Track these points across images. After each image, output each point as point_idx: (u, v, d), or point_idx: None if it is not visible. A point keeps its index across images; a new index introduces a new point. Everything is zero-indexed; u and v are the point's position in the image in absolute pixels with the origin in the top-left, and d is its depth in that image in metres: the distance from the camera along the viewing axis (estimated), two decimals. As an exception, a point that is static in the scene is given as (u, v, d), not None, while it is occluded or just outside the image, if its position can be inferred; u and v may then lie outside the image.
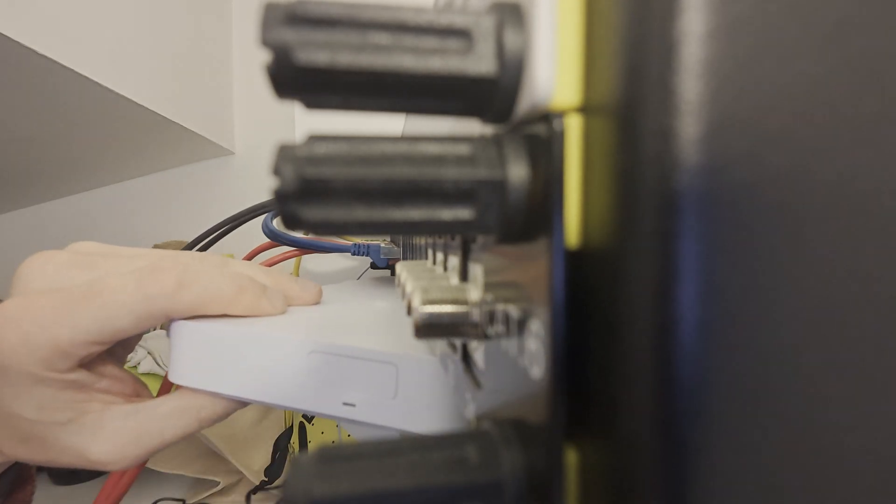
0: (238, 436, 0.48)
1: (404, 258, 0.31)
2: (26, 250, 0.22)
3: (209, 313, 0.21)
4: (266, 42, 0.08)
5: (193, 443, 0.47)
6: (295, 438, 0.51)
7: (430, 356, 0.19)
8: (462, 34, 0.08)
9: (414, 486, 0.08)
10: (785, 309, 0.06)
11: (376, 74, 0.08)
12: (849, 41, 0.07)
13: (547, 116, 0.08)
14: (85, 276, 0.21)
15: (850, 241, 0.07)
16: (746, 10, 0.06)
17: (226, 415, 0.22)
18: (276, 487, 0.47)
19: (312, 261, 0.64)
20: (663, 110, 0.06)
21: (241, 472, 0.46)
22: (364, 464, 0.09)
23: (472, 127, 0.12)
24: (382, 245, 0.45)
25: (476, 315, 0.11)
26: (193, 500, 0.45)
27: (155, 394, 0.25)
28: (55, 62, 0.36)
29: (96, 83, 0.40)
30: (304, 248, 0.45)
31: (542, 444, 0.08)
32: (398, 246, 0.39)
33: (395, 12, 0.08)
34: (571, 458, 0.08)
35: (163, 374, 0.46)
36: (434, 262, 0.18)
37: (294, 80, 0.08)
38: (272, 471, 0.47)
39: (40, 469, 0.52)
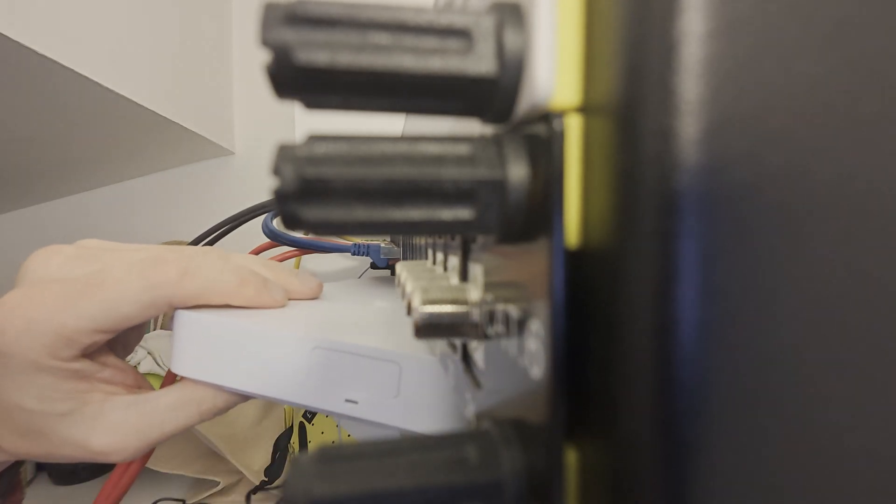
0: (238, 436, 0.48)
1: (404, 258, 0.31)
2: (26, 250, 0.22)
3: (211, 303, 0.22)
4: (266, 42, 0.08)
5: (193, 443, 0.47)
6: (295, 438, 0.51)
7: (431, 356, 0.19)
8: (462, 34, 0.08)
9: (414, 486, 0.08)
10: (785, 309, 0.06)
11: (376, 74, 0.08)
12: (849, 41, 0.07)
13: (547, 116, 0.08)
14: (90, 268, 0.21)
15: (850, 241, 0.07)
16: (746, 10, 0.06)
17: (226, 408, 0.22)
18: (276, 487, 0.47)
19: (312, 261, 0.64)
20: (663, 110, 0.06)
21: (241, 472, 0.46)
22: (364, 464, 0.09)
23: (472, 127, 0.12)
24: (382, 245, 0.45)
25: (476, 315, 0.11)
26: (193, 500, 0.45)
27: None
28: (55, 62, 0.36)
29: (96, 83, 0.40)
30: (304, 248, 0.45)
31: (542, 444, 0.08)
32: (398, 246, 0.39)
33: (395, 12, 0.08)
34: (571, 458, 0.08)
35: (163, 374, 0.46)
36: (434, 262, 0.18)
37: (294, 80, 0.08)
38: (272, 471, 0.47)
39: (41, 468, 0.52)
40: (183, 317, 0.21)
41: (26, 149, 0.51)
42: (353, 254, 0.44)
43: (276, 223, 0.42)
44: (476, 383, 0.12)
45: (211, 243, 0.46)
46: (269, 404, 0.53)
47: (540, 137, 0.08)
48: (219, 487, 0.45)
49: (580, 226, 0.08)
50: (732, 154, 0.06)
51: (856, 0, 0.07)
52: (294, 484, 0.08)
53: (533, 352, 0.08)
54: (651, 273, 0.06)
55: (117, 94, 0.43)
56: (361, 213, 0.08)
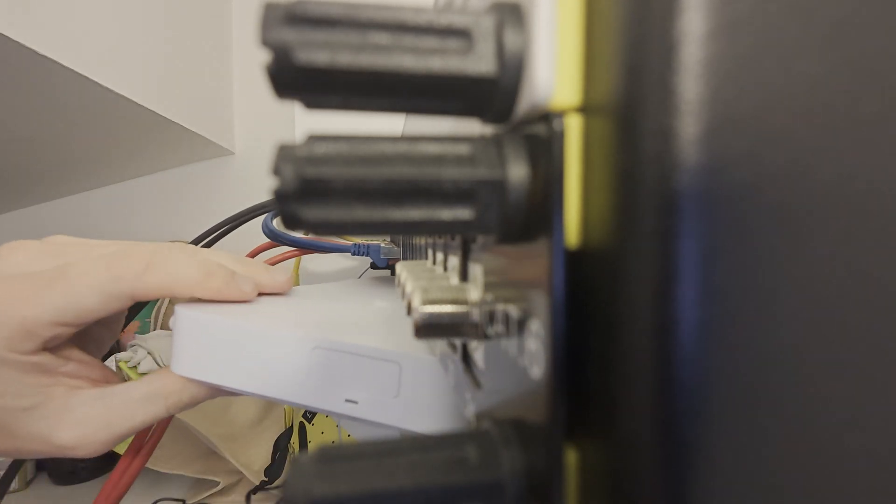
0: (238, 436, 0.48)
1: (404, 258, 0.31)
2: (26, 250, 0.22)
3: (176, 296, 0.22)
4: (266, 42, 0.08)
5: (193, 443, 0.47)
6: (295, 438, 0.51)
7: (431, 356, 0.19)
8: (462, 34, 0.08)
9: (414, 486, 0.08)
10: (785, 309, 0.06)
11: (376, 74, 0.08)
12: (849, 41, 0.07)
13: (547, 116, 0.08)
14: (55, 262, 0.21)
15: (850, 241, 0.07)
16: (746, 10, 0.06)
17: (193, 403, 0.22)
18: (276, 487, 0.47)
19: (312, 261, 0.64)
20: (663, 110, 0.06)
21: (241, 472, 0.46)
22: (364, 464, 0.09)
23: (472, 127, 0.12)
24: (382, 245, 0.45)
25: (476, 315, 0.11)
26: (193, 500, 0.45)
27: None
28: (55, 62, 0.36)
29: (96, 83, 0.40)
30: (304, 248, 0.45)
31: (542, 444, 0.08)
32: (398, 246, 0.39)
33: (394, 12, 0.08)
34: (571, 458, 0.08)
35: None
36: (434, 262, 0.18)
37: (294, 80, 0.08)
38: (272, 471, 0.47)
39: (41, 468, 0.52)
40: (183, 316, 0.21)
41: (26, 149, 0.51)
42: (353, 254, 0.44)
43: (276, 223, 0.42)
44: (476, 383, 0.12)
45: (211, 243, 0.46)
46: (269, 404, 0.53)
47: (540, 137, 0.08)
48: (219, 487, 0.45)
49: (580, 226, 0.08)
50: (732, 154, 0.06)
51: (856, 0, 0.07)
52: (294, 484, 0.08)
53: (533, 352, 0.08)
54: (651, 273, 0.06)
55: (117, 94, 0.43)
56: (361, 213, 0.08)
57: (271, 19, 0.08)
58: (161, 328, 0.54)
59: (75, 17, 0.38)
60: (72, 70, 0.37)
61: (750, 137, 0.06)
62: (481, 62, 0.08)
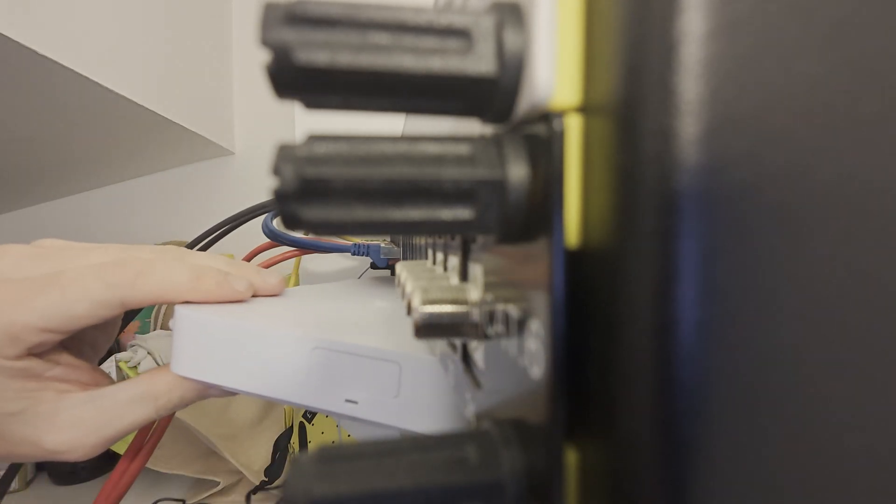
0: (238, 436, 0.48)
1: (404, 258, 0.31)
2: (26, 250, 0.22)
3: (169, 301, 0.22)
4: (266, 42, 0.08)
5: (193, 443, 0.47)
6: (295, 438, 0.51)
7: (431, 356, 0.19)
8: (462, 34, 0.08)
9: (414, 486, 0.08)
10: (785, 309, 0.06)
11: (376, 74, 0.08)
12: (849, 41, 0.07)
13: (547, 116, 0.08)
14: (45, 267, 0.21)
15: (850, 241, 0.07)
16: (746, 10, 0.06)
17: (183, 404, 0.22)
18: (276, 487, 0.47)
19: (312, 261, 0.64)
20: (663, 110, 0.06)
21: (241, 472, 0.46)
22: (364, 464, 0.09)
23: (472, 127, 0.12)
24: (382, 245, 0.45)
25: (476, 315, 0.11)
26: (193, 500, 0.45)
27: None
28: (55, 62, 0.36)
29: (96, 83, 0.40)
30: (304, 248, 0.45)
31: (542, 444, 0.08)
32: (398, 246, 0.39)
33: (394, 12, 0.08)
34: (571, 458, 0.08)
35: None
36: (434, 262, 0.18)
37: (294, 80, 0.08)
38: (272, 471, 0.47)
39: (40, 468, 0.52)
40: (183, 316, 0.21)
41: (26, 149, 0.51)
42: (353, 254, 0.44)
43: (276, 223, 0.42)
44: (476, 383, 0.12)
45: (211, 243, 0.46)
46: (269, 404, 0.53)
47: (540, 137, 0.08)
48: (219, 487, 0.45)
49: (580, 226, 0.08)
50: (732, 154, 0.06)
51: (856, 0, 0.07)
52: (294, 484, 0.08)
53: (533, 352, 0.08)
54: (651, 273, 0.06)
55: (117, 94, 0.43)
56: (361, 213, 0.08)
57: (271, 19, 0.08)
58: (161, 328, 0.54)
59: (75, 17, 0.38)
60: (72, 70, 0.37)
61: (750, 137, 0.06)
62: (481, 62, 0.08)
